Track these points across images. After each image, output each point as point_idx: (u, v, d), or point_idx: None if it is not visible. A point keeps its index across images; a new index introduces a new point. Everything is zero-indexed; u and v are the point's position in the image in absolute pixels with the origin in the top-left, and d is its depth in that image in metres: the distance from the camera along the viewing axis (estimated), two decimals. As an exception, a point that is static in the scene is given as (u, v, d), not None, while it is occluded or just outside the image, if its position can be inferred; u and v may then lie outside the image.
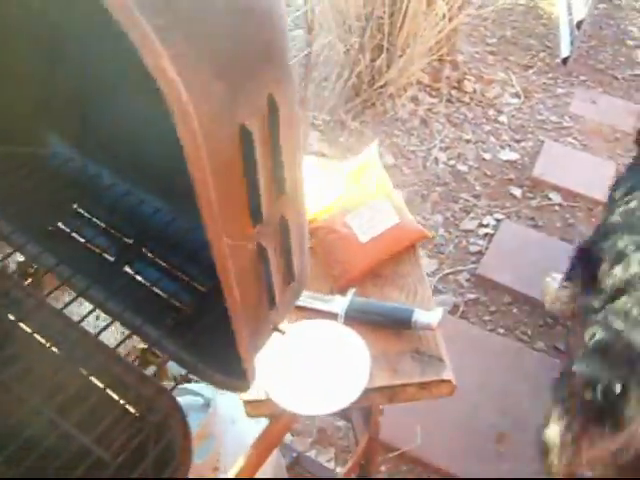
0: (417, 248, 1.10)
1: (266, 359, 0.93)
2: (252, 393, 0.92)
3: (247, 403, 0.91)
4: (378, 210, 1.05)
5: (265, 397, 0.89)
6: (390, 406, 2.10)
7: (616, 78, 3.62)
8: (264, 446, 0.92)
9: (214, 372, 0.70)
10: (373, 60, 3.03)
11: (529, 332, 2.35)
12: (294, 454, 1.82)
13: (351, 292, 0.99)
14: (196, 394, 1.37)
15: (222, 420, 1.37)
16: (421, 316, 0.94)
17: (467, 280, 2.52)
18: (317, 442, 2.05)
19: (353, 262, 1.02)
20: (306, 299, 1.00)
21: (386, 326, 0.96)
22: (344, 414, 1.49)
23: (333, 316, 0.97)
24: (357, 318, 0.97)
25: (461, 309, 2.41)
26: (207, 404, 1.32)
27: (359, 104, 3.12)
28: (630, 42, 3.94)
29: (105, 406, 0.75)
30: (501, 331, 2.36)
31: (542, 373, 2.19)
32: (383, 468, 2.00)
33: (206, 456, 1.31)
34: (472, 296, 2.46)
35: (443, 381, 0.92)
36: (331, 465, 1.94)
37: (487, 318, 2.40)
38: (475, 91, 3.32)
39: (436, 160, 2.97)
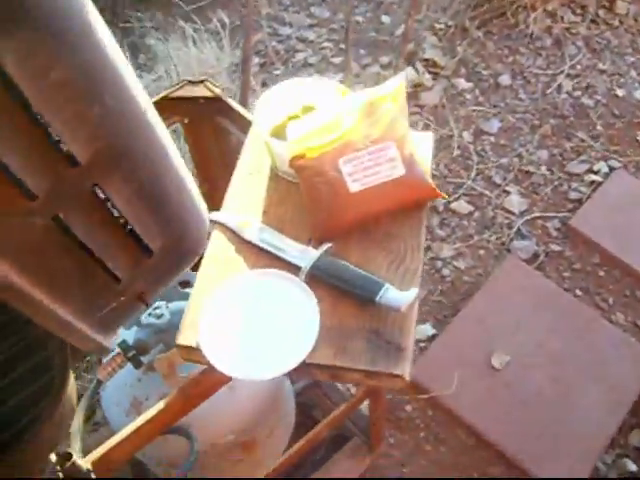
0: (425, 209, 0.94)
1: (209, 306, 0.84)
2: (187, 338, 0.84)
3: (180, 347, 0.84)
4: (381, 156, 0.89)
5: (197, 345, 0.82)
6: (427, 351, 1.99)
7: None
8: (193, 393, 0.86)
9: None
10: (512, -38, 2.67)
11: (610, 300, 2.11)
12: (314, 376, 1.78)
13: (323, 247, 0.86)
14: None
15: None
16: (389, 294, 0.80)
17: (556, 229, 2.27)
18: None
19: (335, 213, 0.88)
20: (276, 244, 0.89)
21: (351, 295, 0.83)
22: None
23: (298, 270, 0.86)
24: (322, 279, 0.85)
25: (540, 259, 2.19)
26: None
27: (487, 12, 2.79)
28: None
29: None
30: (579, 293, 2.13)
31: (609, 348, 1.98)
32: (409, 407, 1.92)
33: (191, 370, 1.29)
34: (557, 248, 2.22)
35: (393, 375, 0.78)
36: (352, 390, 1.88)
37: (567, 275, 2.17)
38: (628, 14, 2.87)
39: (559, 88, 2.63)
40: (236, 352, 0.81)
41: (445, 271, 2.18)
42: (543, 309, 2.07)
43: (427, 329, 2.07)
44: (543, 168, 2.42)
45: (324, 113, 0.93)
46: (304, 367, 0.80)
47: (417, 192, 0.91)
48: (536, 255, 2.21)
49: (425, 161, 0.97)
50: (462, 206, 2.32)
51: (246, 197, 0.97)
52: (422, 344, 2.04)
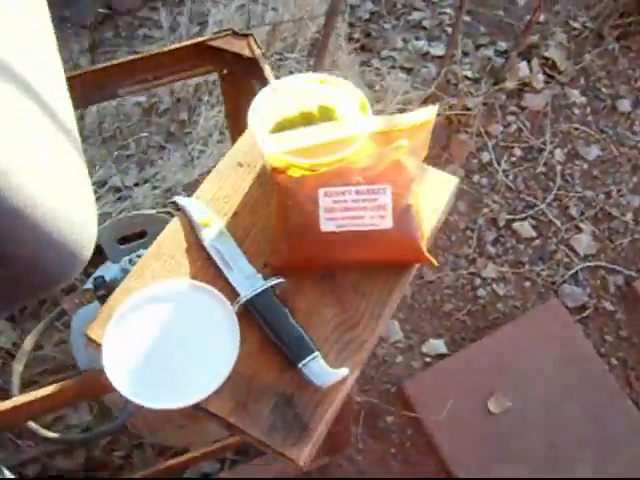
0: (408, 274, 0.79)
1: (124, 307, 0.75)
2: (94, 331, 0.76)
3: (88, 337, 0.76)
4: (369, 200, 0.76)
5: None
6: (430, 369, 1.87)
7: None
8: (86, 387, 0.78)
9: None
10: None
11: (646, 382, 1.91)
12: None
13: (272, 281, 0.75)
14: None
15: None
16: (314, 365, 0.69)
17: (617, 286, 2.05)
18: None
19: (298, 247, 0.75)
20: (225, 258, 0.78)
21: (278, 348, 0.72)
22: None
23: (236, 296, 0.75)
24: (255, 317, 0.74)
25: (586, 313, 1.99)
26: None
27: (632, 24, 2.47)
28: None
29: None
30: (614, 362, 1.94)
31: (623, 432, 1.80)
32: (390, 419, 1.82)
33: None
34: (609, 307, 2.01)
35: (286, 456, 0.68)
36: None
37: (609, 339, 1.97)
38: None
39: (682, 132, 2.33)
40: (135, 368, 0.72)
41: (481, 291, 2.02)
42: (568, 367, 1.89)
43: (439, 345, 1.94)
44: (629, 215, 2.17)
45: (324, 130, 0.79)
46: (198, 408, 0.71)
47: (401, 253, 0.77)
48: (584, 307, 2.01)
49: (430, 215, 0.82)
50: (525, 229, 2.13)
51: (224, 190, 0.87)
52: (428, 359, 1.92)
